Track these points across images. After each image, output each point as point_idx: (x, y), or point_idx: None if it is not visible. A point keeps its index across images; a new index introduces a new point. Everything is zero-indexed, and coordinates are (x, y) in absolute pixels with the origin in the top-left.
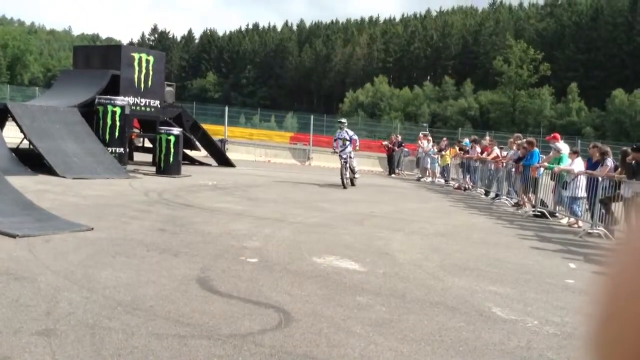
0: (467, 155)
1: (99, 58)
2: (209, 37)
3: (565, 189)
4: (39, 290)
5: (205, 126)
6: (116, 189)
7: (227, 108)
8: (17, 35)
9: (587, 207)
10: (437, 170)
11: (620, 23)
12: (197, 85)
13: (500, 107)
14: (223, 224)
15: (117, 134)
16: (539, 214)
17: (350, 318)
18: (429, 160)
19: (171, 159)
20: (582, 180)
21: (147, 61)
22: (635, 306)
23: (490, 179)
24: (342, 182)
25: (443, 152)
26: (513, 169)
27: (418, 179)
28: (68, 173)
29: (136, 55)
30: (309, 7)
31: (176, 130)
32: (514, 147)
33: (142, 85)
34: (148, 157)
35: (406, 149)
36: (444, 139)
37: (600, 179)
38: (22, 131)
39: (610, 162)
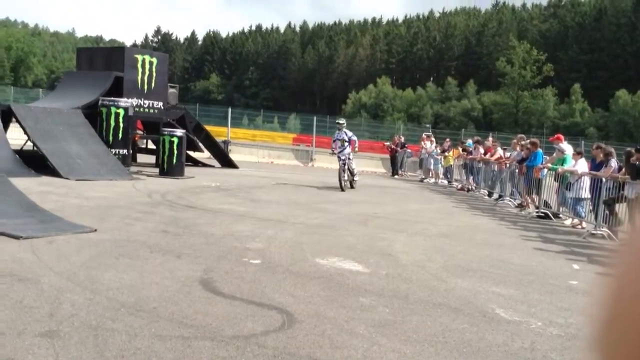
0: (470, 156)
1: (103, 60)
2: (212, 38)
3: (569, 190)
4: (42, 291)
5: (208, 127)
6: (119, 190)
7: (230, 109)
8: (20, 37)
9: (590, 208)
10: (440, 171)
11: (623, 24)
12: (200, 87)
13: (503, 108)
14: (226, 226)
15: (120, 135)
16: (543, 215)
17: (353, 319)
18: (432, 161)
19: (174, 161)
20: (586, 181)
21: (151, 63)
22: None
23: (494, 180)
24: (340, 184)
25: (446, 153)
26: (516, 170)
27: (421, 180)
28: (71, 175)
29: (139, 57)
30: (311, 8)
31: (179, 132)
32: (518, 148)
33: (146, 87)
34: (151, 159)
35: (409, 150)
36: (447, 140)
37: (604, 179)
38: (25, 133)
39: (614, 163)
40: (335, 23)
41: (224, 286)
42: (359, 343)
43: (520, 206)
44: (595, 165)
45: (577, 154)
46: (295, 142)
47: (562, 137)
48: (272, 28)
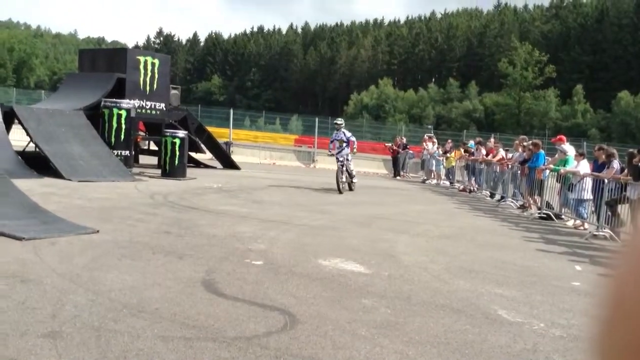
0: (472, 158)
1: (105, 61)
2: (214, 40)
3: (571, 191)
4: (44, 292)
5: (210, 129)
6: (122, 191)
7: (232, 111)
8: (23, 38)
9: (593, 209)
10: (442, 172)
11: (625, 25)
12: (202, 88)
13: (505, 109)
14: (228, 227)
15: (122, 136)
16: (545, 216)
17: (355, 320)
18: (434, 162)
19: (176, 162)
20: (588, 183)
21: (153, 64)
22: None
23: (496, 181)
24: (338, 186)
25: (448, 154)
26: (519, 171)
27: (423, 181)
28: (74, 176)
29: (142, 59)
30: (313, 10)
31: (181, 133)
32: (520, 149)
33: (148, 88)
34: (153, 160)
35: (411, 151)
36: (449, 141)
37: (606, 181)
38: (28, 134)
39: (616, 164)
40: (337, 24)
41: (226, 287)
42: (361, 344)
43: (523, 207)
44: (598, 167)
45: (579, 155)
46: (297, 143)
47: (564, 138)
48: (274, 29)
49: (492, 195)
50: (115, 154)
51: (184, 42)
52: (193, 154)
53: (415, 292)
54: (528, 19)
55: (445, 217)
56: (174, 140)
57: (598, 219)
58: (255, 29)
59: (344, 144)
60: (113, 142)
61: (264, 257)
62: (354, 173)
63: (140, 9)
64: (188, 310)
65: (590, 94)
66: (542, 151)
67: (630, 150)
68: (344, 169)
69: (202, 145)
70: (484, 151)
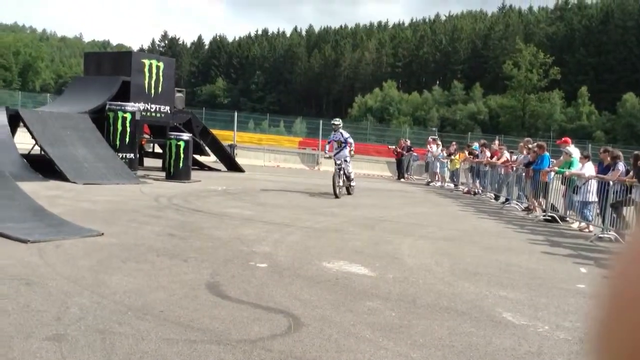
0: (477, 160)
1: (110, 64)
2: (219, 43)
3: (576, 193)
4: (49, 295)
5: (214, 131)
6: (126, 194)
7: (236, 113)
8: (29, 42)
9: (598, 211)
10: (447, 174)
11: (630, 26)
12: (206, 91)
13: (510, 111)
14: (232, 229)
15: (127, 139)
16: (550, 218)
17: (359, 323)
18: (438, 164)
19: (181, 165)
20: (593, 185)
21: (158, 67)
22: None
23: (500, 183)
24: (334, 190)
25: (452, 157)
26: (523, 174)
27: (427, 184)
28: (79, 179)
29: (146, 62)
30: (318, 13)
31: (186, 136)
32: (524, 152)
33: (153, 91)
34: (158, 163)
35: (415, 154)
36: (453, 143)
37: (611, 183)
38: (33, 137)
39: (621, 166)
40: (341, 27)
41: (231, 290)
42: (366, 347)
43: (527, 210)
44: (603, 169)
45: (584, 157)
46: (301, 145)
47: (569, 140)
48: (278, 32)
49: (496, 198)
50: (120, 156)
51: (188, 45)
52: (197, 157)
53: (419, 295)
54: (533, 21)
55: (449, 219)
56: (179, 143)
57: (603, 221)
58: (260, 32)
59: (343, 145)
60: (118, 145)
61: (268, 259)
62: (352, 176)
63: (145, 13)
64: (192, 313)
65: (595, 95)
66: (547, 153)
67: (636, 152)
68: (342, 172)
69: (207, 148)
70: (488, 153)
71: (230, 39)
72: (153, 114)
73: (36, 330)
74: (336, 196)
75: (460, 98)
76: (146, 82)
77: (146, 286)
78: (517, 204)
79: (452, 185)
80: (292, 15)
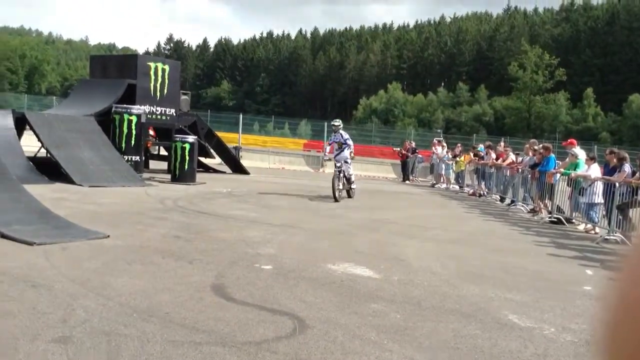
0: (482, 162)
1: (116, 67)
2: (224, 45)
3: (582, 195)
4: (55, 297)
5: (219, 134)
6: (132, 196)
7: (241, 116)
8: (35, 45)
9: (604, 213)
10: (452, 176)
11: (636, 28)
12: (211, 94)
13: (515, 112)
14: (237, 231)
15: (133, 142)
16: (556, 220)
17: (365, 325)
18: (443, 166)
19: (186, 167)
20: (599, 186)
21: (163, 70)
22: None
23: (506, 185)
24: (334, 194)
25: (457, 158)
26: (529, 175)
27: (432, 185)
28: (85, 181)
29: (152, 65)
30: (323, 15)
31: (191, 138)
32: (530, 153)
33: (158, 94)
34: (163, 165)
35: (420, 156)
36: (459, 145)
37: (617, 184)
38: (39, 140)
39: (627, 167)
40: (346, 29)
41: (236, 292)
42: (371, 349)
43: (533, 211)
44: (609, 170)
45: (590, 158)
46: (306, 147)
47: (575, 141)
48: (283, 35)
49: (502, 200)
50: (126, 159)
51: (194, 48)
52: (202, 159)
53: (424, 297)
54: (538, 22)
55: (454, 221)
56: (184, 146)
57: (609, 223)
58: (265, 35)
59: (344, 146)
60: (123, 147)
61: (273, 261)
62: (353, 178)
63: (150, 16)
64: (198, 315)
65: (600, 97)
66: (552, 155)
67: None
68: (341, 174)
69: (212, 150)
70: (493, 155)
71: (235, 42)
72: (158, 117)
73: (42, 332)
74: (336, 200)
75: (466, 100)
76: (152, 84)
77: (151, 288)
78: (522, 206)
79: (457, 187)
80: (297, 18)
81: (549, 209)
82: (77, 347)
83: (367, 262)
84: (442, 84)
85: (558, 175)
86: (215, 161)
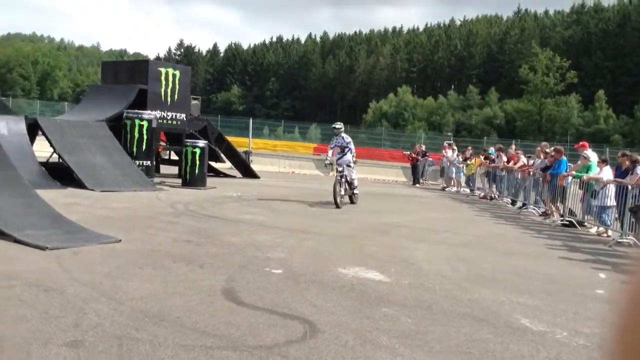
0: (493, 165)
1: (127, 73)
2: (234, 50)
3: (594, 197)
4: (67, 301)
5: (229, 138)
6: (143, 201)
7: (251, 120)
8: (47, 51)
9: (616, 216)
10: (462, 179)
11: None
12: (222, 98)
13: (526, 115)
14: (248, 235)
15: (144, 147)
16: (568, 223)
17: (376, 329)
18: (453, 169)
19: (196, 171)
20: (611, 189)
21: (174, 75)
22: None
23: (517, 188)
24: (335, 200)
25: (468, 162)
26: (540, 178)
27: (443, 189)
28: (97, 186)
29: (163, 70)
30: (332, 19)
31: (201, 143)
32: (541, 156)
33: (169, 99)
34: (174, 170)
35: (430, 159)
36: (469, 148)
37: (629, 187)
38: (51, 145)
39: None
40: (355, 33)
41: (246, 296)
42: (382, 354)
43: (545, 214)
44: (621, 173)
45: (602, 161)
46: (316, 151)
47: (587, 144)
48: (292, 39)
49: (513, 203)
50: (137, 164)
51: (204, 53)
52: (213, 163)
53: (436, 301)
54: (549, 24)
55: (465, 224)
56: (194, 150)
57: (622, 226)
58: (274, 39)
59: (345, 150)
60: (135, 152)
61: (284, 265)
62: (355, 183)
63: (161, 21)
64: (209, 319)
65: (612, 99)
66: (564, 158)
67: None
68: (343, 179)
69: (222, 155)
70: (504, 158)
71: (245, 47)
72: (169, 122)
73: (54, 336)
74: (337, 206)
75: (476, 103)
76: (163, 90)
77: (162, 292)
78: (534, 209)
79: (468, 191)
80: (307, 23)
81: (561, 212)
82: (89, 351)
83: (378, 266)
84: (452, 87)
85: (570, 178)
86: (225, 165)
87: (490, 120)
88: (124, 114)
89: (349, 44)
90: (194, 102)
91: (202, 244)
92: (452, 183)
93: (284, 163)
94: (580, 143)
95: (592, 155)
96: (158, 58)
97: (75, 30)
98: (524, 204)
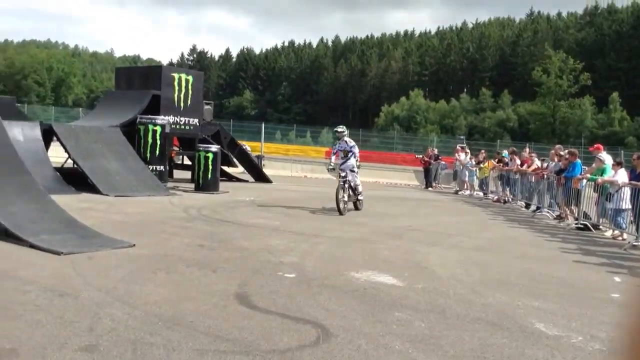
0: (507, 168)
1: (140, 79)
2: (246, 55)
3: (609, 200)
4: (82, 306)
5: (242, 142)
6: (157, 206)
7: (263, 124)
8: (61, 58)
9: (631, 219)
10: (475, 182)
11: None
12: (234, 103)
13: (539, 118)
14: (260, 240)
15: (157, 152)
16: (582, 226)
17: (389, 334)
18: (466, 173)
19: (209, 176)
20: (626, 192)
21: (187, 81)
22: None
23: (531, 191)
24: (338, 207)
25: (481, 165)
26: (555, 181)
27: (456, 192)
28: (111, 191)
29: (176, 75)
30: (344, 23)
31: (214, 148)
32: (556, 159)
33: (182, 104)
34: (187, 174)
35: (443, 162)
36: (482, 151)
37: None
38: (66, 151)
39: None
40: (367, 37)
41: (259, 300)
42: (395, 358)
43: (559, 218)
44: (636, 175)
45: (617, 164)
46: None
47: (601, 146)
48: (304, 44)
49: (527, 206)
50: (151, 169)
51: (216, 58)
52: (225, 168)
53: (449, 305)
54: (562, 26)
55: (479, 228)
56: (207, 155)
57: (637, 229)
58: (286, 44)
59: (349, 154)
60: (148, 157)
61: (297, 269)
62: (360, 189)
63: (174, 27)
64: (222, 323)
65: (626, 101)
66: (578, 160)
67: None
68: (346, 185)
69: (234, 159)
70: (518, 161)
71: (257, 52)
72: (182, 127)
73: (69, 341)
74: (340, 213)
75: (489, 105)
76: (176, 95)
77: (176, 297)
78: (548, 212)
79: (481, 194)
80: (318, 27)
81: (576, 215)
82: (103, 355)
83: (391, 270)
84: (465, 90)
85: (584, 181)
86: (238, 170)
87: (504, 123)
88: (138, 120)
89: (361, 47)
90: (206, 107)
91: (215, 249)
92: (465, 186)
93: (296, 167)
94: (595, 145)
95: (607, 158)
96: (171, 63)
97: (89, 37)
98: (538, 207)
